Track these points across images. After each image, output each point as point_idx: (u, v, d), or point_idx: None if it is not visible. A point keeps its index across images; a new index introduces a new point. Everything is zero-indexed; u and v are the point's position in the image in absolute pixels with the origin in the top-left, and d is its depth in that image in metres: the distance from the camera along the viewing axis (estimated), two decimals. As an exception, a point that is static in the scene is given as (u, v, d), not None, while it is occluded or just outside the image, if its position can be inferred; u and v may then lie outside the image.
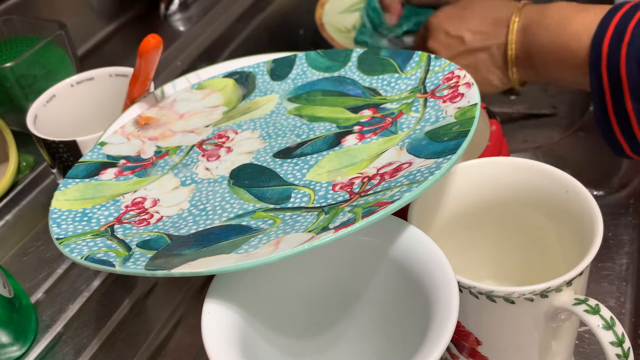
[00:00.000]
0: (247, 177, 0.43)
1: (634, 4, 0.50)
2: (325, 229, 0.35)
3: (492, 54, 0.60)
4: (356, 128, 0.45)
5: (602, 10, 0.52)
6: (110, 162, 0.46)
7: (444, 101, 0.43)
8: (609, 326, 0.34)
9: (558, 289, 0.35)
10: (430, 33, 0.64)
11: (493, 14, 0.61)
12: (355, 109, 0.47)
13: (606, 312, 0.34)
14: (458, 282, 0.35)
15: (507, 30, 0.58)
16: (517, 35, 0.58)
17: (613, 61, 0.49)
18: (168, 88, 0.54)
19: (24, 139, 0.63)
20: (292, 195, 0.40)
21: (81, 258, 0.37)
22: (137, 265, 0.35)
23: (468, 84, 0.43)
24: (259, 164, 0.44)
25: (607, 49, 0.49)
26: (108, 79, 0.61)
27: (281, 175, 0.42)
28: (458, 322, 0.35)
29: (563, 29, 0.54)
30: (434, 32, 0.64)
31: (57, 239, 0.39)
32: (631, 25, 0.49)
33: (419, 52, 0.48)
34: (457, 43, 0.62)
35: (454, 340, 0.40)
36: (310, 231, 0.35)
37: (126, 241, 0.39)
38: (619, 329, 0.34)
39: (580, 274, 0.36)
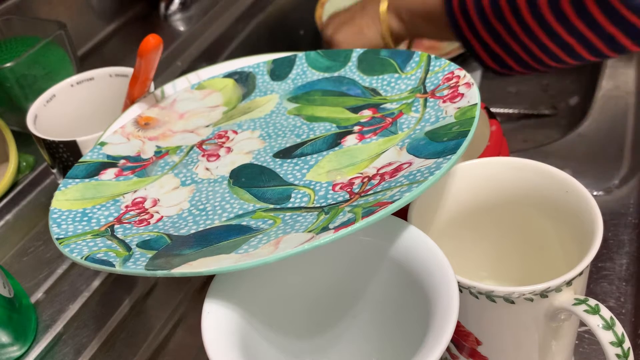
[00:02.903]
0: (247, 177, 0.43)
1: None
2: (325, 229, 0.35)
3: (371, 15, 0.69)
4: (356, 128, 0.45)
5: None
6: (110, 162, 0.46)
7: (444, 101, 0.43)
8: (609, 326, 0.34)
9: (558, 289, 0.35)
10: (328, 30, 0.73)
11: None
12: (355, 109, 0.47)
13: (606, 312, 0.34)
14: (458, 282, 0.35)
15: None
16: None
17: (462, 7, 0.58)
18: (168, 88, 0.54)
19: (24, 139, 0.63)
20: (292, 195, 0.40)
21: (81, 258, 0.37)
22: (137, 265, 0.35)
23: (468, 84, 0.43)
24: (259, 164, 0.44)
25: None
26: (108, 79, 0.61)
27: (281, 175, 0.42)
28: (458, 322, 0.35)
29: None
30: (328, 27, 0.73)
31: (57, 239, 0.39)
32: None
33: (419, 52, 0.48)
34: (345, 17, 0.72)
35: (454, 340, 0.40)
36: (310, 231, 0.35)
37: (126, 241, 0.39)
38: (619, 329, 0.34)
39: (580, 274, 0.36)
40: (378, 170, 0.40)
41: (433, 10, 0.63)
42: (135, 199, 0.43)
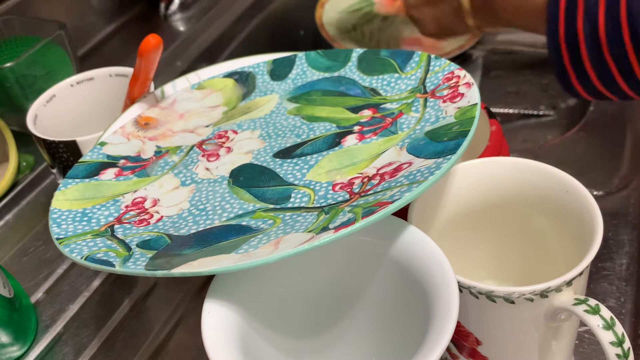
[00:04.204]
0: (247, 177, 0.43)
1: None
2: (325, 229, 0.35)
3: (451, 3, 0.64)
4: (356, 128, 0.45)
5: None
6: (110, 162, 0.46)
7: (444, 101, 0.43)
8: (609, 326, 0.34)
9: (558, 289, 0.35)
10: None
11: None
12: (355, 109, 0.47)
13: (606, 312, 0.34)
14: (458, 282, 0.35)
15: None
16: None
17: (570, 4, 0.51)
18: (168, 88, 0.54)
19: (24, 139, 0.63)
20: (292, 195, 0.40)
21: (81, 258, 0.37)
22: (137, 265, 0.35)
23: (468, 84, 0.43)
24: (259, 164, 0.44)
25: None
26: (108, 79, 0.61)
27: (281, 175, 0.42)
28: (458, 322, 0.35)
29: None
30: None
31: (57, 239, 0.39)
32: None
33: (419, 52, 0.48)
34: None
35: (454, 340, 0.40)
36: (310, 231, 0.35)
37: (126, 241, 0.39)
38: (619, 329, 0.34)
39: (580, 274, 0.36)
40: (378, 170, 0.40)
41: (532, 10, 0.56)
42: (135, 199, 0.43)
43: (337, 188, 0.40)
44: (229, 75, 0.53)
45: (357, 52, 0.50)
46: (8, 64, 0.62)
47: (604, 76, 0.51)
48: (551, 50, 0.53)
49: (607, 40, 0.49)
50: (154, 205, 0.42)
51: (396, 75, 0.48)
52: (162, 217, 0.41)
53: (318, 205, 0.38)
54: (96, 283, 0.54)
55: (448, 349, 0.41)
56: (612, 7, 0.49)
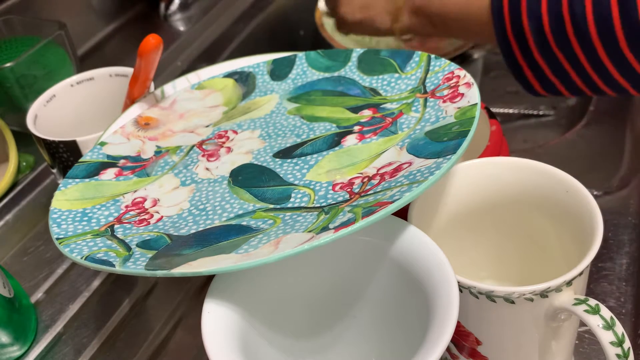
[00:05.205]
0: (247, 177, 0.43)
1: None
2: (325, 229, 0.35)
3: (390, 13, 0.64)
4: (356, 128, 0.45)
5: None
6: (110, 162, 0.46)
7: (444, 101, 0.43)
8: (609, 326, 0.34)
9: (558, 289, 0.35)
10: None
11: None
12: (355, 109, 0.47)
13: (606, 312, 0.34)
14: (458, 282, 0.35)
15: None
16: None
17: (514, 8, 0.53)
18: (168, 88, 0.54)
19: (24, 139, 0.63)
20: (292, 195, 0.40)
21: (81, 258, 0.37)
22: (137, 265, 0.35)
23: (468, 84, 0.43)
24: (259, 164, 0.44)
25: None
26: (108, 79, 0.61)
27: (281, 175, 0.42)
28: (458, 322, 0.35)
29: None
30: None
31: (57, 239, 0.39)
32: None
33: (419, 52, 0.48)
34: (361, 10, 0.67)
35: (454, 340, 0.40)
36: (310, 231, 0.35)
37: (126, 241, 0.39)
38: (619, 329, 0.34)
39: (580, 274, 0.36)
40: (378, 170, 0.40)
41: (474, 14, 0.57)
42: (135, 199, 0.43)
43: (337, 188, 0.40)
44: (229, 75, 0.53)
45: (357, 52, 0.50)
46: (8, 64, 0.62)
47: (557, 70, 0.53)
48: (502, 49, 0.55)
49: (552, 34, 0.51)
50: (154, 205, 0.42)
51: (396, 75, 0.48)
52: (162, 217, 0.41)
53: (318, 205, 0.38)
54: (96, 283, 0.54)
55: (448, 349, 0.41)
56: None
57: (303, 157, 0.43)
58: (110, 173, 0.45)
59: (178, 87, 0.54)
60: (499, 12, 0.54)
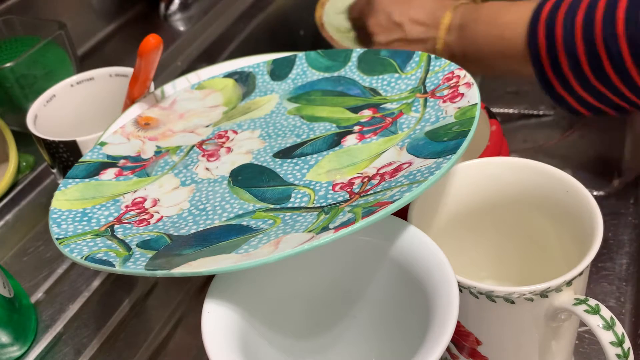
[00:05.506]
0: (247, 177, 0.43)
1: None
2: (325, 229, 0.35)
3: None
4: (356, 128, 0.45)
5: (533, 1, 0.56)
6: (110, 162, 0.46)
7: (444, 101, 0.43)
8: (609, 326, 0.34)
9: (558, 289, 0.35)
10: (372, 12, 0.67)
11: (435, 8, 0.64)
12: (355, 109, 0.47)
13: (606, 312, 0.34)
14: (458, 282, 0.35)
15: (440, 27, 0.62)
16: (446, 32, 0.62)
17: (550, 42, 0.53)
18: (168, 88, 0.54)
19: (24, 139, 0.63)
20: (292, 195, 0.40)
21: (81, 258, 0.37)
22: (137, 265, 0.35)
23: (468, 84, 0.43)
24: (259, 164, 0.44)
25: (545, 26, 0.53)
26: (108, 79, 0.61)
27: (281, 175, 0.42)
28: (458, 322, 0.35)
29: (496, 20, 0.58)
30: (377, 12, 0.66)
31: (57, 239, 0.39)
32: (562, 9, 0.53)
33: (419, 52, 0.48)
34: (396, 29, 0.65)
35: (454, 340, 0.40)
36: (310, 231, 0.35)
37: (126, 241, 0.39)
38: (619, 329, 0.34)
39: (580, 274, 0.36)
40: (378, 170, 0.40)
41: (510, 46, 0.57)
42: (135, 199, 0.43)
43: (337, 188, 0.40)
44: (229, 75, 0.53)
45: (357, 52, 0.50)
46: (8, 64, 0.62)
47: (596, 96, 0.53)
48: (542, 85, 0.55)
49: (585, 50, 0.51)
50: (154, 205, 0.42)
51: (396, 75, 0.48)
52: (162, 217, 0.41)
53: (318, 205, 0.38)
54: (96, 283, 0.54)
55: (448, 349, 0.41)
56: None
57: (303, 157, 0.43)
58: (110, 173, 0.45)
59: (178, 87, 0.54)
60: (534, 47, 0.54)
